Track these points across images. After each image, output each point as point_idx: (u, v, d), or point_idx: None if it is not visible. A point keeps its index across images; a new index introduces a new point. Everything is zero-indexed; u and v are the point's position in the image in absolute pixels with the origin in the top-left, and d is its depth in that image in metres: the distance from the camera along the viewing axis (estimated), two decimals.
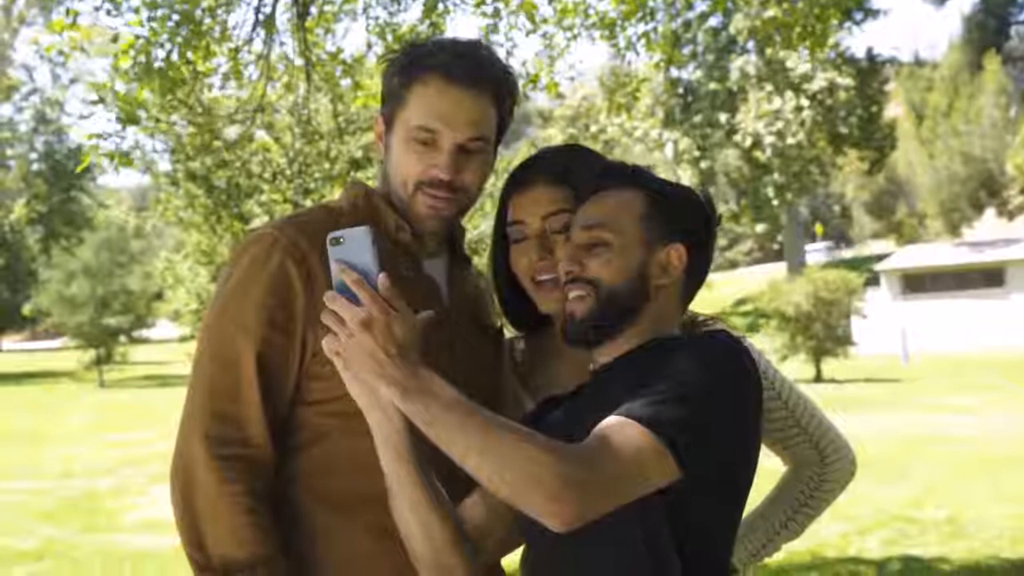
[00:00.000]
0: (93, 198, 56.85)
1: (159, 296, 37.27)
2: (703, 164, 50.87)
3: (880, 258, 50.21)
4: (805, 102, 47.82)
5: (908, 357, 33.18)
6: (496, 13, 8.90)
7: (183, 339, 36.12)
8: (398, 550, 2.21)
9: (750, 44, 46.54)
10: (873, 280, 40.97)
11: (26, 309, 44.68)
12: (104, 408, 28.05)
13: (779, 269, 52.62)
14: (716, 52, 50.02)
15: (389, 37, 8.91)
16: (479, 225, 19.11)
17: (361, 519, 2.34)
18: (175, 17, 7.71)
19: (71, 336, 39.16)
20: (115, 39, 7.76)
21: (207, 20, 8.05)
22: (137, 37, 7.72)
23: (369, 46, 9.34)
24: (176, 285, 29.67)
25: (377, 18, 9.09)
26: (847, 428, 3.01)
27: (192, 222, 22.75)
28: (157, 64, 7.67)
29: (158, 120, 9.16)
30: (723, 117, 49.49)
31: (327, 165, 20.28)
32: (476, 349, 2.54)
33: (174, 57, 7.76)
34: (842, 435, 2.81)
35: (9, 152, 55.77)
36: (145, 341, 43.11)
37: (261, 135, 19.80)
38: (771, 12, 9.36)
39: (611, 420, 1.97)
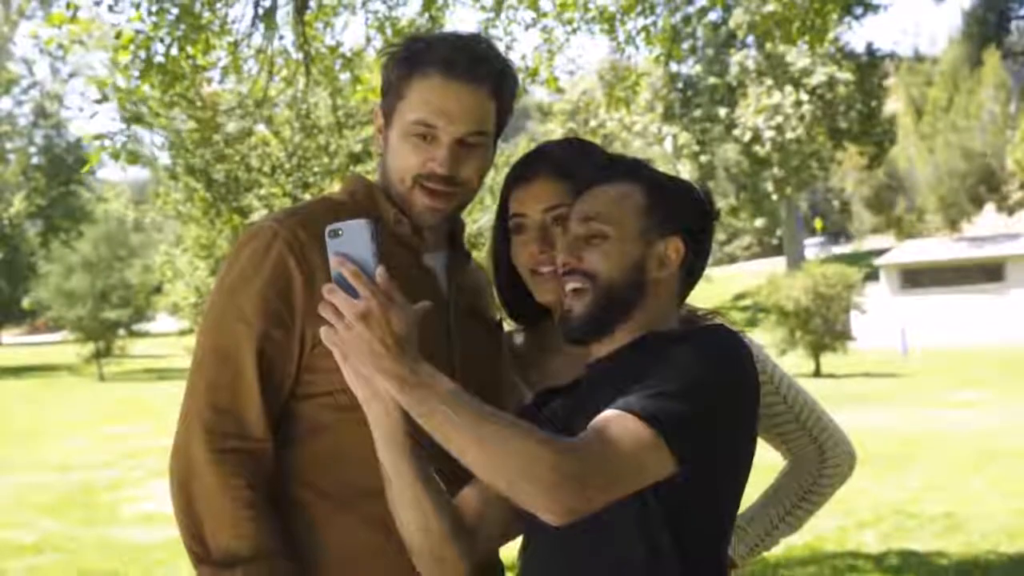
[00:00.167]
0: (92, 192, 56.82)
1: (158, 290, 37.19)
2: (702, 158, 50.91)
3: (879, 253, 50.21)
4: (805, 97, 47.82)
5: (907, 352, 33.18)
6: (497, 5, 8.90)
7: (182, 333, 36.09)
8: (396, 543, 2.22)
9: (750, 39, 46.47)
10: (872, 275, 40.98)
11: (25, 303, 44.63)
12: (103, 401, 28.05)
13: (778, 264, 52.61)
14: (716, 47, 50.02)
15: (388, 31, 8.91)
16: (479, 219, 19.09)
17: (359, 512, 2.34)
18: (174, 11, 7.70)
19: (70, 329, 39.11)
20: (118, 35, 7.76)
21: (206, 14, 8.05)
22: (137, 32, 7.72)
23: (368, 40, 9.34)
24: (175, 279, 29.64)
25: (376, 12, 9.09)
26: (845, 423, 3.02)
27: (191, 216, 22.73)
28: (157, 59, 7.67)
29: (158, 115, 9.17)
30: (722, 112, 49.50)
31: (326, 159, 20.26)
32: (475, 342, 2.53)
33: (174, 52, 7.76)
34: (841, 430, 2.82)
35: (8, 146, 55.73)
36: (144, 335, 43.06)
37: (260, 129, 19.79)
38: (771, 7, 9.38)
39: (608, 413, 1.97)
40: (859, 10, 46.78)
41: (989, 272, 41.80)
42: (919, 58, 72.12)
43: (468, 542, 2.19)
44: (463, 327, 2.51)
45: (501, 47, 8.74)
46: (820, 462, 2.78)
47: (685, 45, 46.98)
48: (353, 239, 2.00)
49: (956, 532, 9.84)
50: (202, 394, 2.32)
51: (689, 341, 2.11)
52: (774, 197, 50.66)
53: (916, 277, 43.05)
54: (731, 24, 45.36)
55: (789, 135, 47.80)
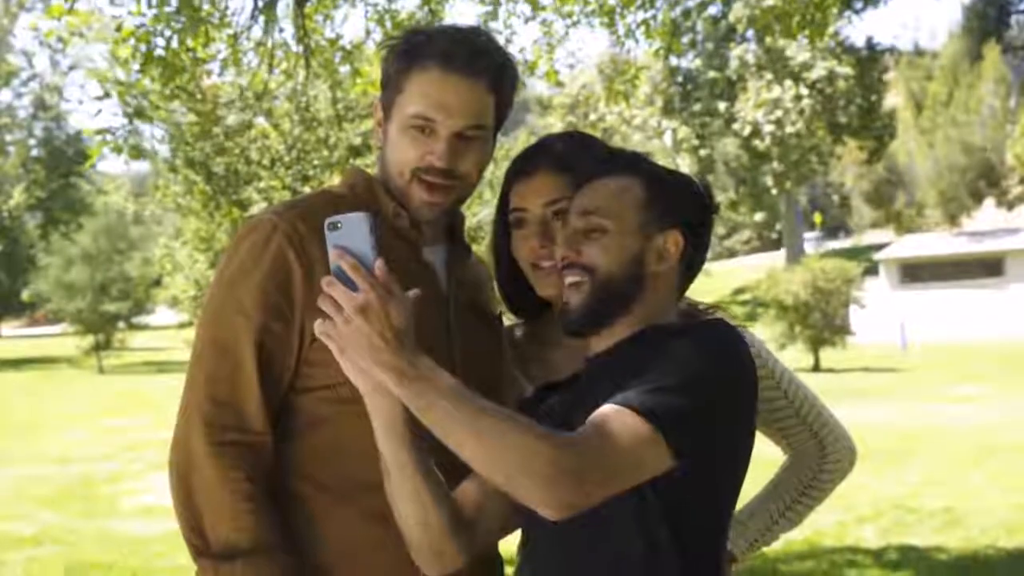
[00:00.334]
0: (92, 184, 56.77)
1: (158, 283, 37.17)
2: (702, 152, 50.90)
3: (879, 247, 50.21)
4: (804, 91, 47.82)
5: (906, 347, 33.18)
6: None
7: (182, 325, 36.10)
8: (395, 536, 2.21)
9: (749, 33, 46.46)
10: (872, 270, 40.97)
11: (25, 295, 44.58)
12: (103, 394, 28.05)
13: (778, 258, 52.61)
14: (715, 41, 49.99)
15: (388, 24, 8.90)
16: (478, 212, 19.08)
17: (359, 505, 2.34)
18: (174, 3, 7.69)
19: (70, 322, 39.09)
20: (118, 28, 7.75)
21: (206, 6, 8.04)
22: (138, 26, 7.71)
23: (368, 32, 9.33)
24: (175, 272, 29.63)
25: (376, 4, 9.08)
26: (844, 418, 3.02)
27: (191, 209, 22.72)
28: (157, 52, 7.66)
29: (158, 108, 9.16)
30: (722, 106, 49.49)
31: (326, 152, 20.26)
32: (475, 336, 2.53)
33: (174, 44, 7.75)
34: (841, 425, 2.82)
35: (8, 138, 55.66)
36: (144, 327, 43.03)
37: (260, 122, 19.79)
38: (771, 1, 9.35)
39: (607, 408, 1.97)
40: (859, 4, 46.78)
41: (989, 267, 41.84)
42: (919, 52, 72.09)
43: (467, 536, 2.19)
44: (463, 321, 2.51)
45: (500, 40, 8.76)
46: (820, 457, 2.77)
47: (685, 39, 46.96)
48: (352, 232, 2.00)
49: (955, 527, 9.85)
50: (201, 387, 2.32)
51: (688, 336, 2.10)
52: (773, 191, 50.65)
53: (915, 272, 43.07)
54: (731, 18, 45.39)
55: (789, 129, 47.80)
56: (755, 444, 2.24)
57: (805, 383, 2.80)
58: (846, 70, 48.22)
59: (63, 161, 54.27)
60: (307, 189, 19.12)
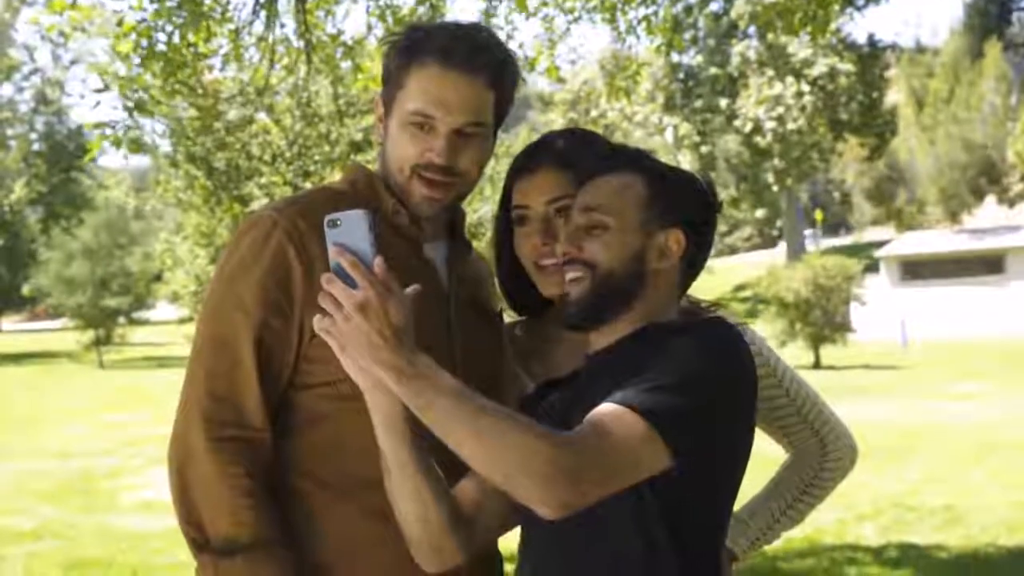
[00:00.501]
0: (93, 179, 56.78)
1: (158, 277, 37.21)
2: (703, 149, 50.92)
3: (879, 245, 50.20)
4: (806, 88, 47.83)
5: (907, 344, 33.18)
6: None
7: (182, 321, 36.09)
8: (395, 533, 2.21)
9: (751, 29, 46.48)
10: (872, 267, 40.97)
11: (25, 289, 44.62)
12: (103, 389, 28.06)
13: (778, 255, 52.62)
14: (717, 37, 50.00)
15: (389, 19, 8.88)
16: (479, 209, 19.09)
17: (358, 502, 2.34)
18: None
19: (70, 317, 39.10)
20: (120, 22, 7.75)
21: (207, 1, 8.03)
22: (140, 21, 7.71)
23: (369, 28, 9.33)
24: (175, 267, 29.67)
25: (377, 0, 9.07)
26: (845, 415, 3.01)
27: (192, 204, 22.74)
28: (159, 47, 7.65)
29: (160, 103, 9.14)
30: (724, 102, 49.50)
31: (327, 148, 20.27)
32: (476, 333, 2.53)
33: (175, 39, 7.74)
34: (843, 424, 2.81)
35: (9, 132, 55.68)
36: (144, 322, 43.06)
37: (261, 117, 19.79)
38: None
39: (605, 407, 1.97)
40: (861, 1, 46.76)
41: (989, 264, 41.83)
42: (920, 49, 72.16)
43: (466, 533, 2.19)
44: (463, 318, 2.50)
45: (502, 36, 8.75)
46: (822, 455, 2.77)
47: (686, 35, 46.98)
48: (351, 229, 1.99)
49: (956, 525, 9.84)
50: (201, 382, 2.32)
51: (688, 334, 2.10)
52: (775, 188, 50.66)
53: (916, 269, 43.06)
54: (732, 14, 45.47)
55: (790, 126, 47.80)
56: (755, 442, 2.23)
57: (806, 381, 2.79)
58: (848, 67, 48.23)
59: (64, 156, 54.32)
60: (308, 185, 19.11)
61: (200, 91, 9.61)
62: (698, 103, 50.60)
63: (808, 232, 63.84)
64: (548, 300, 2.60)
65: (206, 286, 2.78)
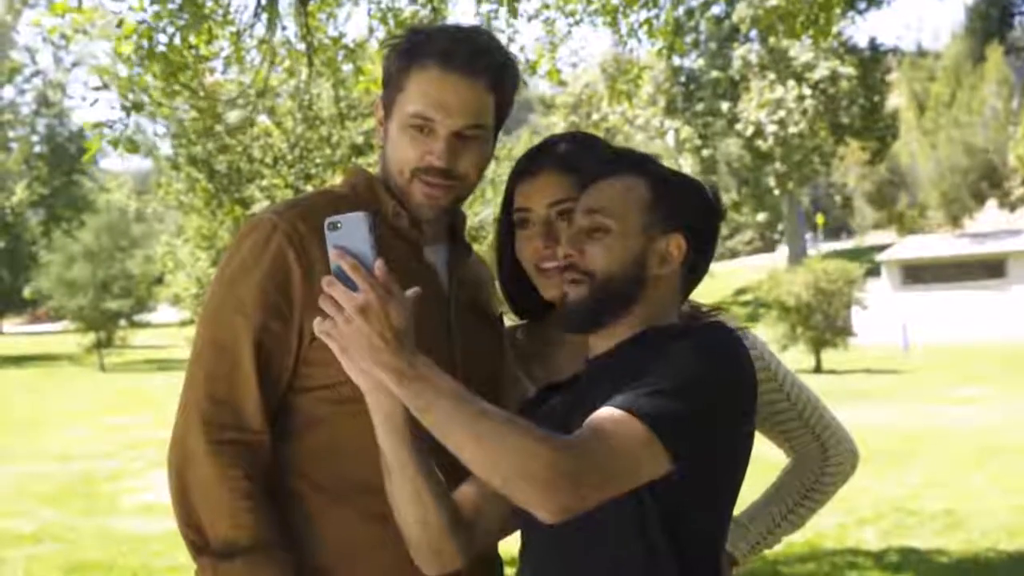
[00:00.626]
0: (95, 181, 56.82)
1: (160, 280, 37.22)
2: (704, 153, 50.90)
3: (881, 248, 50.20)
4: (807, 91, 47.82)
5: (908, 348, 33.17)
6: None
7: (183, 323, 36.10)
8: (394, 536, 2.21)
9: (753, 33, 46.49)
10: (874, 271, 40.96)
11: (27, 292, 44.64)
12: (104, 392, 28.07)
13: (778, 259, 52.61)
14: (719, 40, 50.01)
15: (391, 22, 8.88)
16: (480, 212, 19.08)
17: (356, 506, 2.34)
18: (177, 0, 7.69)
19: (71, 319, 39.12)
20: (120, 23, 7.74)
21: (209, 3, 8.03)
22: (141, 22, 7.70)
23: (371, 31, 9.32)
24: (176, 269, 29.65)
25: (379, 2, 9.06)
26: (846, 419, 3.01)
27: (193, 206, 22.74)
28: (160, 49, 7.65)
29: (160, 104, 9.13)
30: (725, 106, 49.49)
31: (328, 150, 20.26)
32: (476, 336, 2.53)
33: (176, 41, 7.74)
34: (844, 428, 2.81)
35: (11, 135, 55.71)
36: (145, 325, 43.07)
37: (263, 120, 19.79)
38: (774, 0, 9.34)
39: (604, 411, 1.96)
40: (862, 4, 46.81)
41: (991, 268, 41.82)
42: (922, 53, 72.13)
43: (466, 536, 2.19)
44: (464, 321, 2.50)
45: (503, 39, 8.75)
46: (823, 460, 2.77)
47: (688, 39, 46.93)
48: (352, 232, 1.99)
49: (956, 529, 9.84)
50: (200, 385, 2.32)
51: (688, 339, 2.09)
52: (776, 192, 50.65)
53: (918, 273, 43.06)
54: (734, 18, 45.47)
55: (791, 130, 47.79)
56: (756, 446, 2.23)
57: (807, 385, 2.79)
58: (849, 70, 48.22)
59: (66, 158, 54.34)
60: (309, 187, 19.13)
61: (202, 93, 9.59)
62: (699, 107, 50.60)
63: (809, 236, 63.92)
64: (549, 303, 2.59)
65: (207, 289, 2.78)
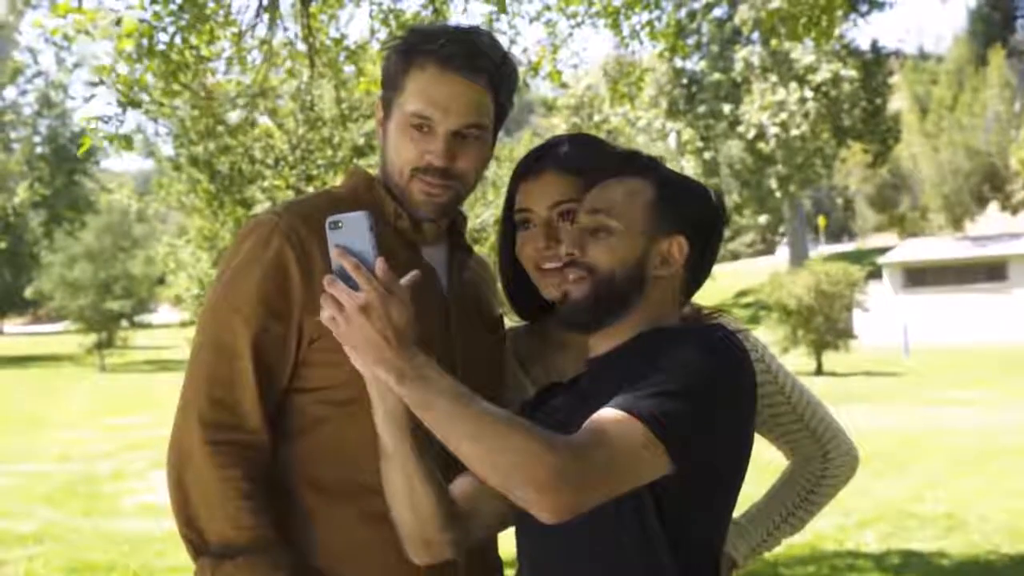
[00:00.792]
0: (96, 182, 56.83)
1: (161, 281, 37.25)
2: (706, 155, 50.85)
3: (882, 251, 50.20)
4: (809, 94, 47.76)
5: (909, 351, 33.16)
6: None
7: (184, 324, 36.10)
8: (393, 537, 2.21)
9: (755, 35, 46.47)
10: (875, 273, 40.97)
11: (28, 292, 44.71)
12: (105, 392, 28.08)
13: (779, 261, 52.59)
14: (721, 42, 49.97)
15: (393, 23, 8.88)
16: (481, 214, 19.08)
17: (355, 506, 2.34)
18: (178, 0, 7.69)
19: (73, 320, 39.19)
20: (118, 22, 7.74)
21: (211, 4, 8.03)
22: (141, 21, 7.70)
23: (373, 32, 9.31)
24: (178, 270, 29.64)
25: (381, 4, 9.06)
26: (847, 421, 3.01)
27: (194, 207, 22.73)
28: (159, 48, 7.65)
29: (161, 104, 9.13)
30: (727, 108, 49.45)
31: (330, 152, 20.24)
32: (475, 337, 2.53)
33: (177, 41, 7.74)
34: (844, 431, 2.81)
35: (13, 135, 55.75)
36: (147, 326, 43.15)
37: (264, 121, 19.78)
38: (776, 3, 9.34)
39: (604, 412, 1.96)
40: (864, 7, 46.81)
41: (992, 271, 41.84)
42: (924, 56, 72.22)
43: (458, 529, 2.18)
44: (464, 322, 2.51)
45: (505, 40, 8.75)
46: (823, 462, 2.76)
47: (690, 41, 46.95)
48: (353, 231, 2.00)
49: (957, 532, 9.83)
50: (199, 386, 2.33)
51: (688, 341, 2.09)
52: (778, 194, 50.61)
53: (919, 276, 43.08)
54: (736, 20, 45.43)
55: (793, 132, 47.74)
56: (755, 448, 2.23)
57: (808, 387, 2.79)
58: (851, 73, 48.17)
59: (67, 159, 54.38)
60: (311, 188, 19.11)
61: (203, 93, 9.59)
62: (701, 109, 50.57)
63: (810, 238, 63.92)
64: (550, 304, 2.59)
65: (208, 289, 2.78)
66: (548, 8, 9.11)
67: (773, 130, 47.83)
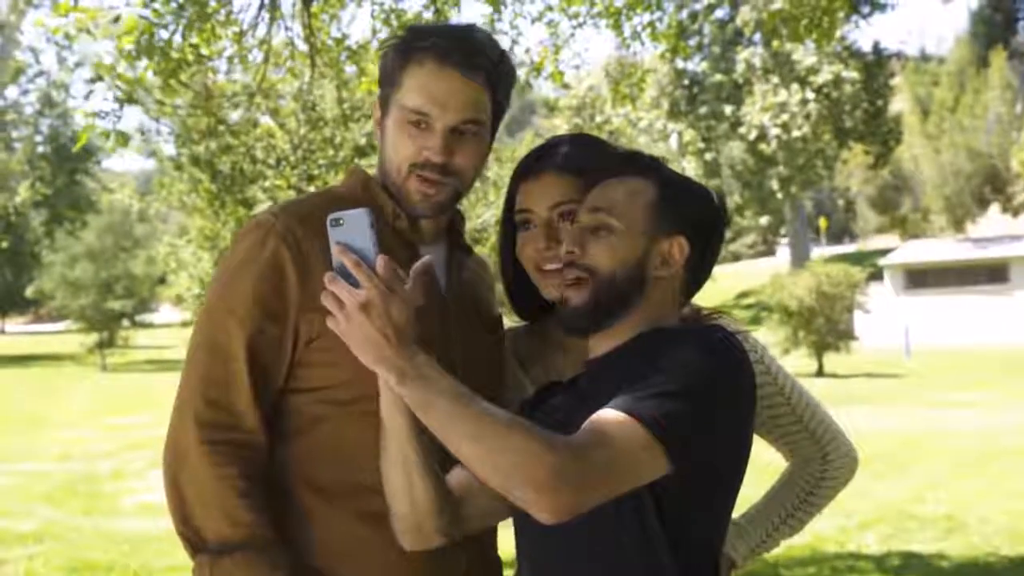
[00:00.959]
0: (98, 181, 56.83)
1: (162, 280, 37.26)
2: (708, 156, 50.84)
3: (884, 253, 50.19)
4: (811, 95, 47.74)
5: (910, 352, 33.15)
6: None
7: (185, 324, 36.09)
8: (390, 537, 2.21)
9: (756, 36, 46.45)
10: (876, 275, 40.96)
11: (29, 292, 44.72)
12: (105, 392, 28.09)
13: (782, 262, 52.59)
14: (722, 44, 49.95)
15: (394, 23, 8.88)
16: (483, 214, 19.09)
17: (353, 506, 2.34)
18: None
19: (74, 319, 39.21)
20: (116, 19, 7.73)
21: (212, 2, 8.03)
22: (141, 18, 7.70)
23: (374, 32, 9.31)
24: (179, 270, 29.64)
25: (382, 4, 9.06)
26: (848, 423, 3.01)
27: (196, 207, 22.74)
28: (158, 44, 7.64)
29: (162, 104, 9.13)
30: (728, 109, 49.43)
31: (331, 152, 20.24)
32: (474, 337, 2.53)
33: (177, 39, 7.74)
34: (844, 433, 2.80)
35: (14, 134, 55.75)
36: (148, 325, 43.15)
37: (266, 121, 19.79)
38: (778, 4, 9.33)
39: (604, 413, 1.96)
40: (866, 9, 46.80)
41: (993, 273, 41.83)
42: (925, 58, 72.20)
43: (450, 516, 2.18)
44: (462, 322, 2.51)
45: (507, 41, 8.75)
46: (822, 464, 2.76)
47: (692, 42, 46.96)
48: (354, 228, 2.00)
49: (957, 533, 9.83)
50: (195, 386, 2.33)
51: (687, 341, 2.09)
52: (779, 195, 50.59)
53: (920, 277, 43.08)
54: (738, 21, 45.43)
55: (795, 133, 47.71)
56: (754, 449, 2.23)
57: (808, 389, 2.79)
58: (853, 75, 48.15)
59: (69, 158, 54.37)
60: (312, 188, 19.12)
61: (204, 93, 9.60)
62: (703, 110, 50.55)
63: (811, 239, 63.90)
64: (550, 305, 2.59)
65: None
66: (550, 9, 9.12)
67: (774, 131, 47.81)
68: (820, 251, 57.39)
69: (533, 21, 9.20)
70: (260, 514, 2.26)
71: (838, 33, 10.26)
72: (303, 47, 9.13)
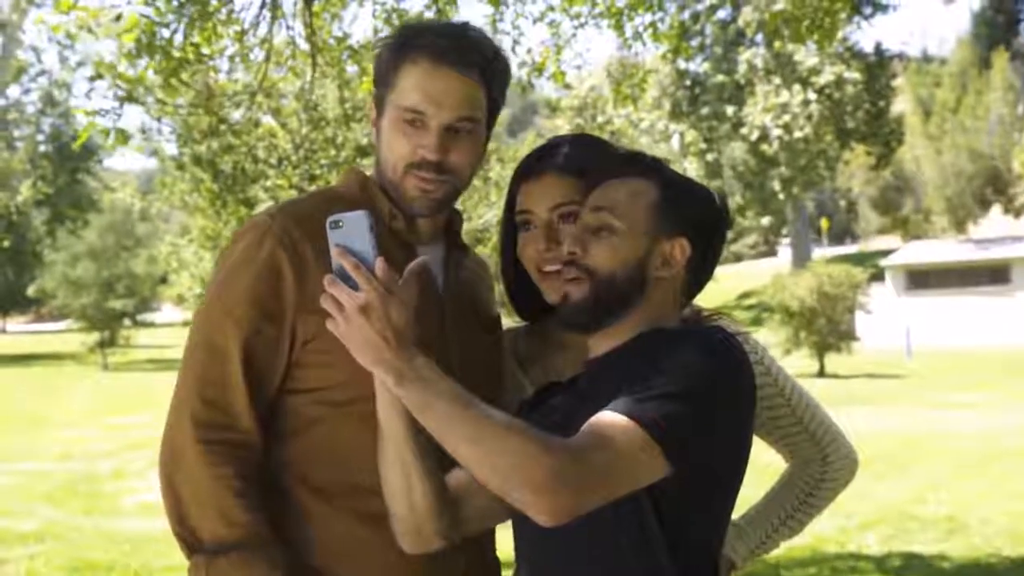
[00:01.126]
0: (99, 181, 56.85)
1: (164, 280, 37.28)
2: (709, 157, 50.85)
3: (885, 253, 50.19)
4: (813, 96, 47.75)
5: (912, 353, 33.15)
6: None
7: (187, 323, 36.09)
8: (389, 538, 2.21)
9: (758, 37, 46.44)
10: (878, 275, 40.96)
11: (31, 291, 44.73)
12: (107, 391, 28.10)
13: (784, 263, 52.59)
14: (724, 44, 49.97)
15: (396, 23, 8.87)
16: (484, 214, 19.09)
17: (351, 507, 2.33)
18: None
19: (75, 318, 39.22)
20: (118, 18, 7.73)
21: (213, 1, 8.02)
22: (142, 16, 7.69)
23: (376, 31, 9.31)
24: (180, 269, 29.69)
25: (384, 3, 9.06)
26: (849, 423, 3.00)
27: (197, 206, 22.76)
28: (160, 43, 7.64)
29: (164, 103, 9.12)
30: (730, 110, 49.46)
31: (333, 151, 20.26)
32: (472, 337, 2.52)
33: (178, 38, 7.74)
34: (843, 434, 2.80)
35: (16, 133, 55.75)
36: (149, 325, 43.14)
37: (268, 120, 19.80)
38: (780, 5, 9.34)
39: (604, 415, 1.96)
40: (868, 10, 46.79)
41: (995, 274, 41.85)
42: (927, 59, 72.18)
43: (448, 519, 2.17)
44: (460, 322, 2.50)
45: (508, 41, 8.75)
46: (822, 465, 2.76)
47: (693, 42, 46.97)
48: (353, 230, 2.00)
49: (958, 534, 9.82)
50: (191, 385, 2.33)
51: (687, 343, 2.09)
52: (781, 196, 50.59)
53: (922, 278, 43.09)
54: (740, 22, 45.44)
55: (797, 134, 47.72)
56: (754, 450, 2.22)
57: (808, 391, 2.78)
58: (854, 75, 48.16)
59: (71, 157, 54.37)
60: (314, 188, 19.12)
61: (205, 93, 9.60)
62: (704, 110, 50.58)
63: (813, 240, 63.89)
64: (550, 305, 2.58)
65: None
66: (552, 9, 9.11)
67: (776, 132, 47.82)
68: (822, 252, 57.39)
69: (535, 21, 9.19)
70: (256, 514, 2.25)
71: (840, 34, 10.26)
72: (305, 46, 9.13)
